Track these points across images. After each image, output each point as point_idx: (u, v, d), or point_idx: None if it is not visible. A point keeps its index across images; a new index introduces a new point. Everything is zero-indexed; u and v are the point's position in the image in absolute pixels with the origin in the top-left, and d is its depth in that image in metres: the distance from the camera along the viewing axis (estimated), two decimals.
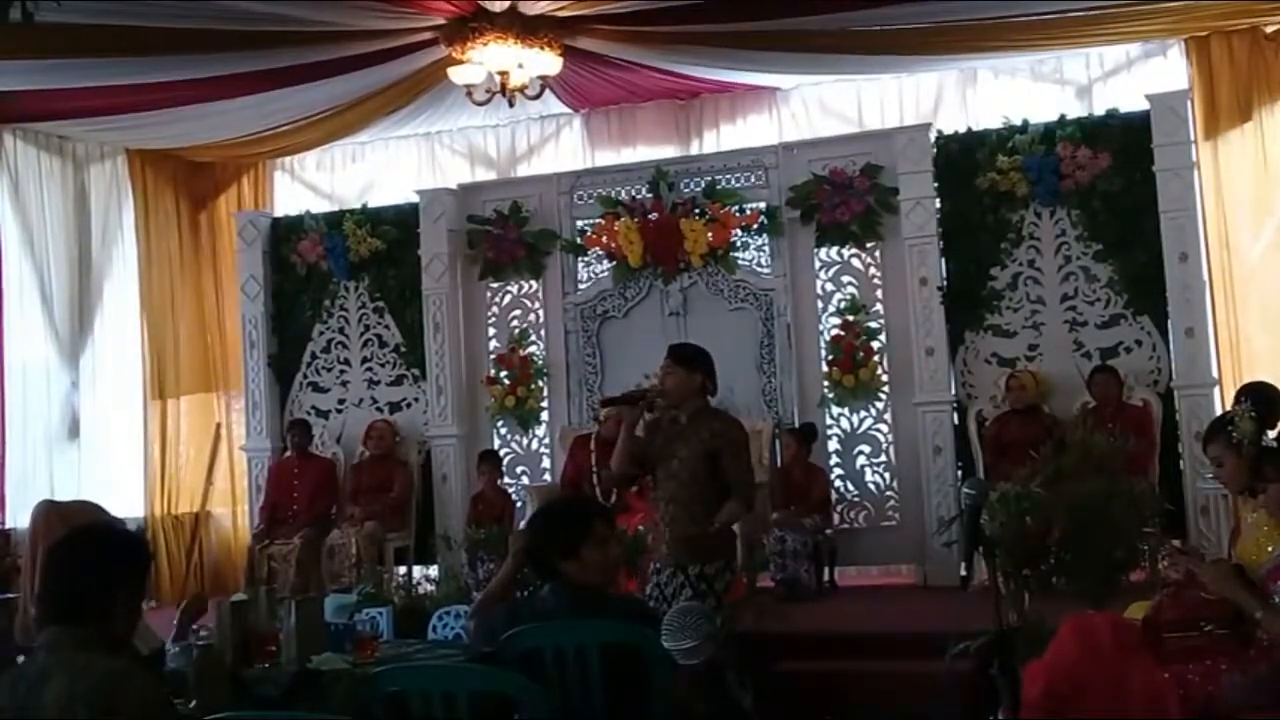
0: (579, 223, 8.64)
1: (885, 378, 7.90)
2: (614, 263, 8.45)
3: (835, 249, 8.09)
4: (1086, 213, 7.57)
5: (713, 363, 4.81)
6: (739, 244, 8.23)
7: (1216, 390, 7.29)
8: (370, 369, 9.16)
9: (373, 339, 9.16)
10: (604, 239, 8.46)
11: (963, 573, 7.11)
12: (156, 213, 9.71)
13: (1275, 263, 7.71)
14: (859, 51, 8.28)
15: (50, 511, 4.13)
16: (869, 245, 8.00)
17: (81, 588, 2.72)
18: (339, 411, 9.20)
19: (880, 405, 7.94)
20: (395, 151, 10.16)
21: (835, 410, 8.00)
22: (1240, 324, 7.67)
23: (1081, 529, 4.76)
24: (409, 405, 9.01)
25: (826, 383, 7.97)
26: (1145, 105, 7.46)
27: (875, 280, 8.02)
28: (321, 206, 9.82)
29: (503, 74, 7.37)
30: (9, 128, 8.69)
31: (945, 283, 7.72)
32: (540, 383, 8.64)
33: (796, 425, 7.85)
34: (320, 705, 3.74)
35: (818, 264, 8.12)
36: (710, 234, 8.18)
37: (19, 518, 8.17)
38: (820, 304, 8.09)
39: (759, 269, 8.25)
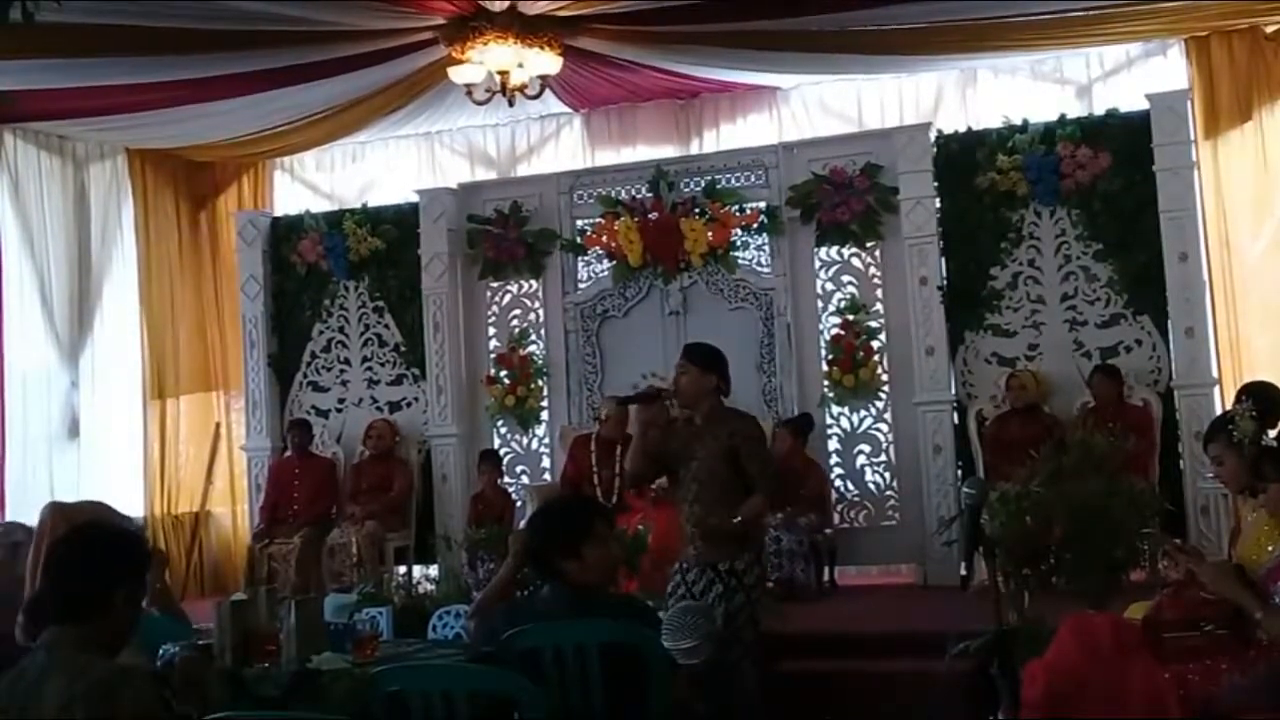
0: (579, 222, 8.63)
1: (885, 377, 7.90)
2: (614, 262, 8.45)
3: (835, 249, 8.09)
4: (1086, 212, 7.57)
5: (727, 363, 4.82)
6: (739, 244, 8.23)
7: (1216, 390, 7.28)
8: (370, 369, 9.16)
9: (373, 339, 9.16)
10: (604, 239, 8.46)
11: (963, 573, 7.07)
12: (156, 212, 9.70)
13: (1275, 263, 7.70)
14: (859, 51, 8.27)
15: (55, 513, 4.14)
16: (869, 245, 8.00)
17: (80, 587, 2.73)
18: (339, 411, 9.20)
19: (880, 405, 7.94)
20: (395, 151, 10.16)
21: (835, 410, 8.00)
22: (1240, 324, 7.67)
23: (1081, 529, 4.76)
24: (409, 405, 9.00)
25: (826, 382, 7.97)
26: (1145, 105, 7.46)
27: (875, 280, 8.02)
28: (321, 206, 9.82)
29: (503, 73, 7.36)
30: (9, 128, 8.68)
31: (945, 282, 7.72)
32: (540, 382, 8.64)
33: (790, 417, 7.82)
34: (320, 705, 3.74)
35: (818, 264, 8.12)
36: (710, 234, 8.18)
37: (19, 518, 8.15)
38: (820, 304, 8.09)
39: (759, 269, 8.25)
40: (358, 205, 9.45)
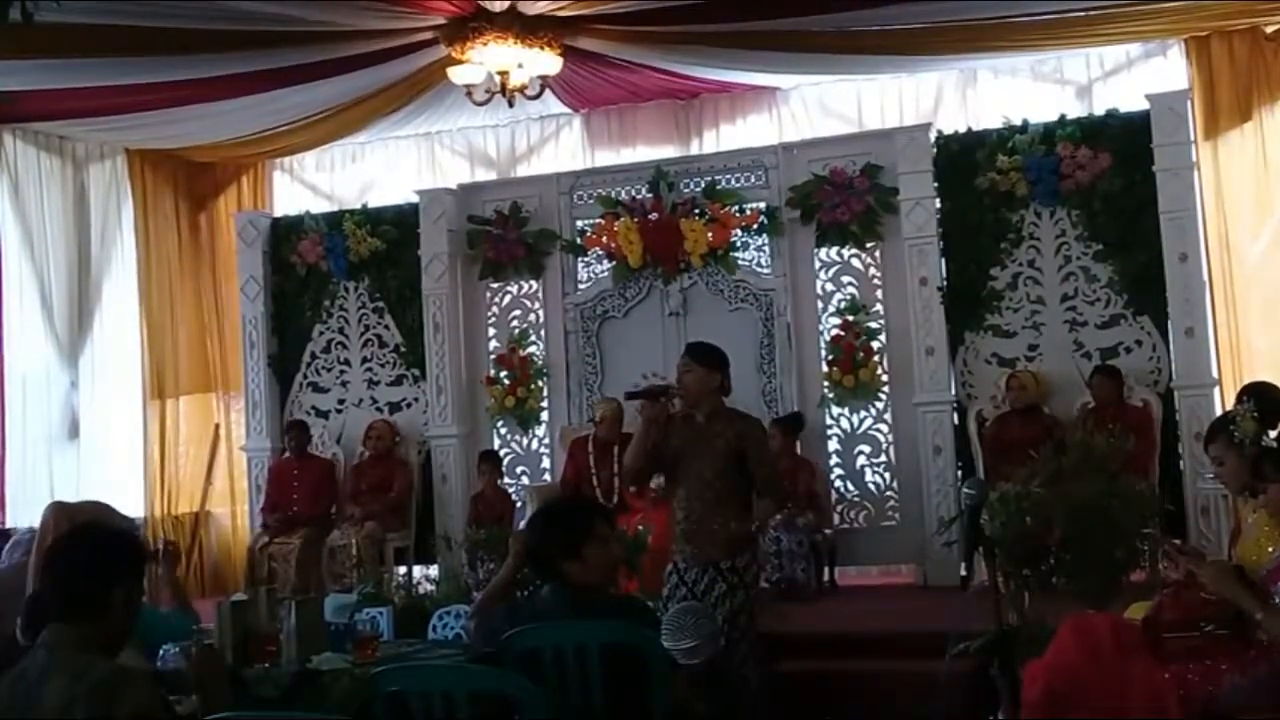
0: (579, 223, 8.63)
1: (885, 378, 7.90)
2: (614, 263, 8.45)
3: (835, 249, 8.09)
4: (1086, 213, 7.57)
5: (729, 362, 4.83)
6: (739, 244, 8.23)
7: (1216, 390, 7.29)
8: (370, 369, 9.16)
9: (373, 339, 9.16)
10: (604, 239, 8.46)
11: (963, 573, 7.17)
12: (156, 213, 9.70)
13: (1275, 263, 7.70)
14: (859, 51, 8.27)
15: (58, 512, 4.14)
16: (869, 245, 8.00)
17: (80, 586, 2.73)
18: (339, 411, 9.20)
19: (880, 405, 7.94)
20: (395, 151, 10.16)
21: (835, 410, 8.00)
22: (1240, 324, 7.67)
23: (1081, 529, 4.76)
24: (409, 405, 9.00)
25: (826, 383, 7.97)
26: (1145, 105, 7.46)
27: (875, 280, 8.02)
28: (321, 206, 9.82)
29: (502, 74, 7.36)
30: (9, 128, 8.68)
31: (945, 283, 7.72)
32: (540, 383, 8.63)
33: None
34: (320, 705, 3.74)
35: (818, 264, 8.12)
36: (710, 234, 8.18)
37: (19, 518, 8.16)
38: (820, 304, 8.09)
39: (759, 269, 8.25)
40: (358, 206, 9.45)
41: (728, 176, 8.31)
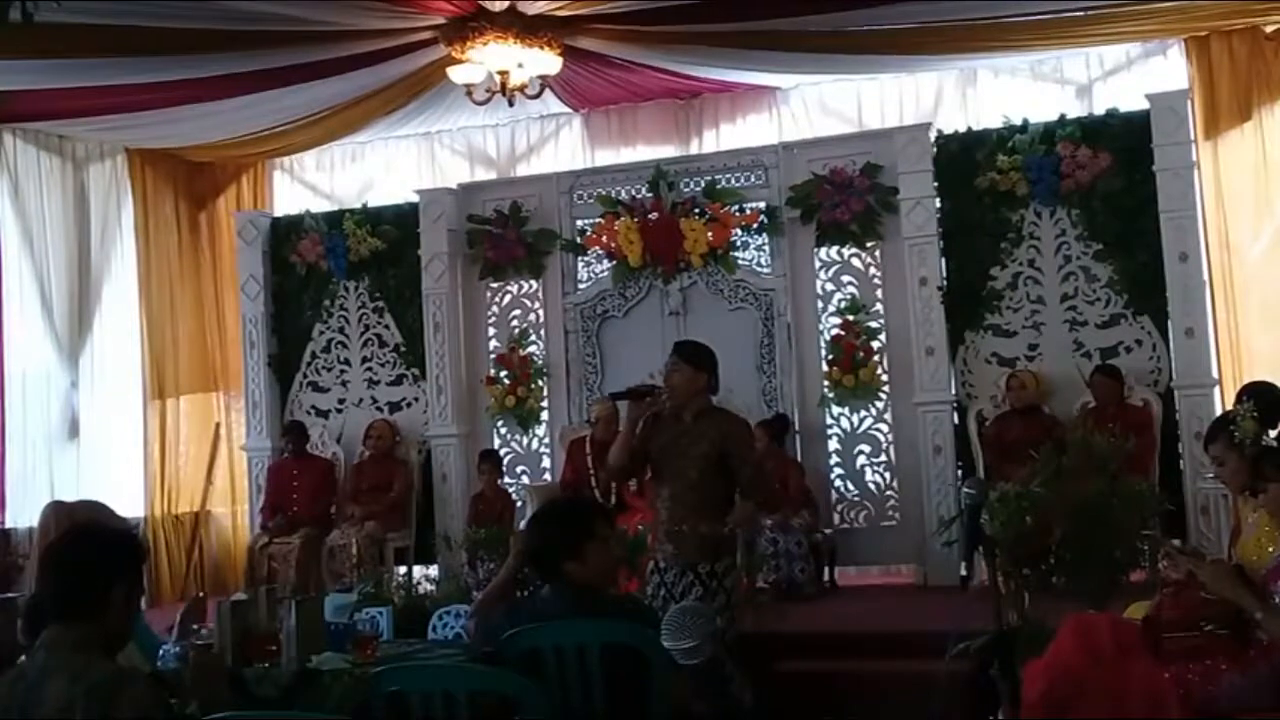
0: (579, 223, 8.64)
1: (885, 378, 7.90)
2: (614, 262, 8.45)
3: (835, 249, 8.09)
4: (1086, 213, 7.57)
5: (717, 361, 4.82)
6: (739, 244, 8.23)
7: (1216, 390, 7.29)
8: (370, 369, 9.16)
9: (373, 339, 9.16)
10: (604, 239, 8.46)
11: (963, 573, 7.17)
12: (156, 213, 9.70)
13: (1275, 263, 7.70)
14: (859, 51, 8.27)
15: (58, 511, 4.14)
16: (869, 245, 8.00)
17: (77, 585, 2.73)
18: (339, 411, 9.20)
19: (880, 405, 7.94)
20: (395, 151, 10.16)
21: (835, 410, 8.00)
22: (1240, 324, 7.67)
23: (1082, 529, 4.76)
24: (409, 405, 9.01)
25: (826, 383, 7.97)
26: (1145, 105, 7.46)
27: (875, 280, 8.02)
28: (321, 206, 9.82)
29: (502, 73, 7.36)
30: (9, 128, 8.68)
31: (945, 283, 7.72)
32: (540, 383, 8.64)
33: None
34: (320, 705, 3.74)
35: (818, 264, 8.12)
36: (710, 234, 8.18)
37: (19, 518, 8.17)
38: (820, 304, 8.09)
39: (759, 269, 8.25)
40: (357, 205, 9.45)
41: (728, 176, 8.31)
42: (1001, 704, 4.00)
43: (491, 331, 8.85)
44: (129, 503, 8.90)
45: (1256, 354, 7.60)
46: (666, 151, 9.07)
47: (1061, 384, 7.52)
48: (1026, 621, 4.49)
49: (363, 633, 4.29)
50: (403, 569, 8.20)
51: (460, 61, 7.44)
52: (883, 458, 7.93)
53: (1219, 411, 6.44)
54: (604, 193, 8.54)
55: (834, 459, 7.98)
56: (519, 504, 8.28)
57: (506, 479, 8.48)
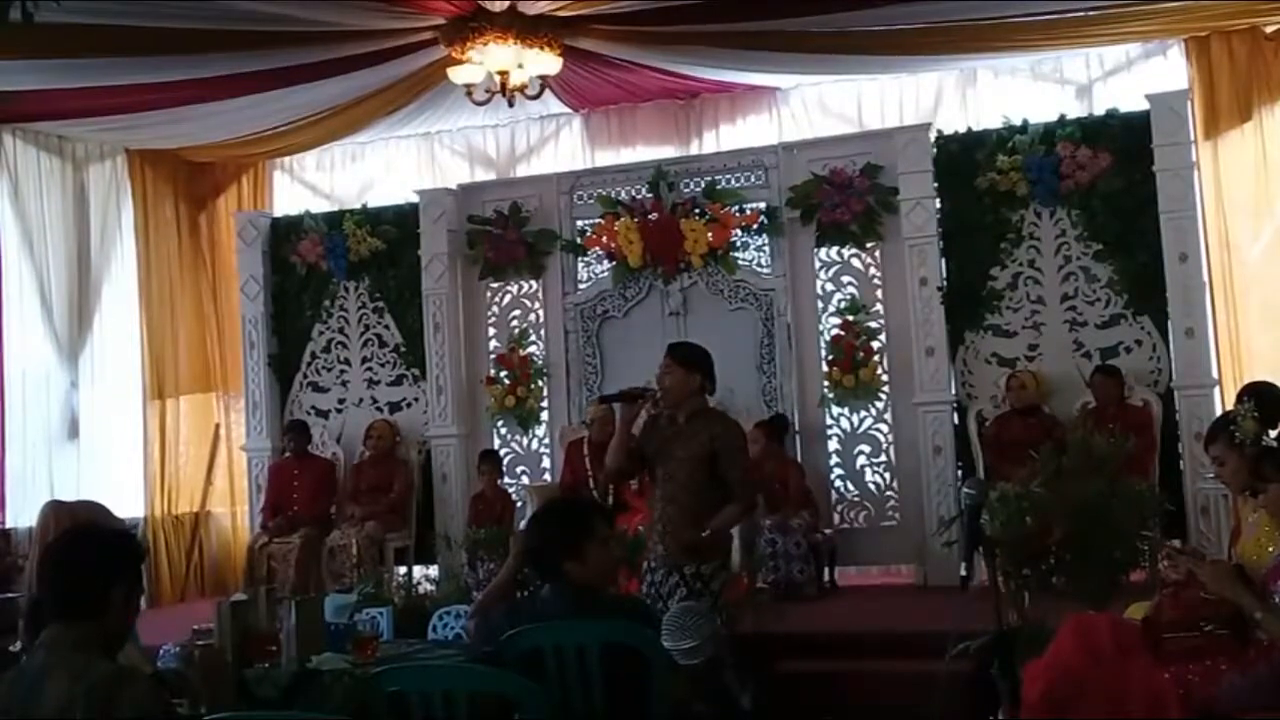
0: (579, 223, 8.64)
1: (885, 378, 7.90)
2: (614, 263, 8.45)
3: (835, 249, 8.09)
4: (1086, 213, 7.57)
5: (712, 363, 4.82)
6: (739, 244, 8.24)
7: (1216, 390, 7.29)
8: (370, 369, 9.16)
9: (373, 339, 9.16)
10: (604, 239, 8.46)
11: (963, 573, 7.17)
12: (156, 213, 9.70)
13: (1275, 263, 7.70)
14: (859, 51, 8.27)
15: (56, 511, 4.14)
16: (869, 245, 8.00)
17: (76, 585, 2.73)
18: (339, 411, 9.20)
19: (880, 405, 7.94)
20: (395, 151, 10.16)
21: (835, 410, 8.00)
22: (1240, 324, 7.67)
23: (1081, 529, 4.76)
24: (409, 405, 9.01)
25: (826, 383, 7.97)
26: (1145, 105, 7.46)
27: (875, 280, 8.03)
28: (321, 206, 9.82)
29: (502, 74, 7.36)
30: (9, 128, 8.68)
31: (945, 283, 7.72)
32: (540, 383, 8.64)
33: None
34: (320, 705, 3.74)
35: (818, 264, 8.12)
36: (710, 234, 8.18)
37: (19, 518, 8.17)
38: (820, 304, 8.09)
39: (759, 269, 8.25)
40: (357, 205, 9.45)
41: (728, 176, 8.31)
42: (1001, 704, 4.00)
43: (491, 332, 8.85)
44: (129, 503, 8.91)
45: (1256, 354, 7.60)
46: (666, 152, 9.07)
47: (1061, 384, 7.52)
48: (1026, 621, 4.49)
49: (363, 633, 4.30)
50: (403, 569, 8.21)
51: (460, 62, 7.44)
52: (883, 458, 7.93)
53: (1219, 412, 6.43)
54: (604, 193, 8.54)
55: (834, 459, 7.98)
56: (519, 504, 8.28)
57: (506, 479, 8.48)
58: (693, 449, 4.64)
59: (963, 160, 7.79)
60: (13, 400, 8.57)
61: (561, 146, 9.80)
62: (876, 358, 7.90)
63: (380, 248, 9.00)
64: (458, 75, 7.59)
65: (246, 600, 4.36)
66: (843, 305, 8.02)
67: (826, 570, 7.52)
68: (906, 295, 7.75)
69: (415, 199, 8.97)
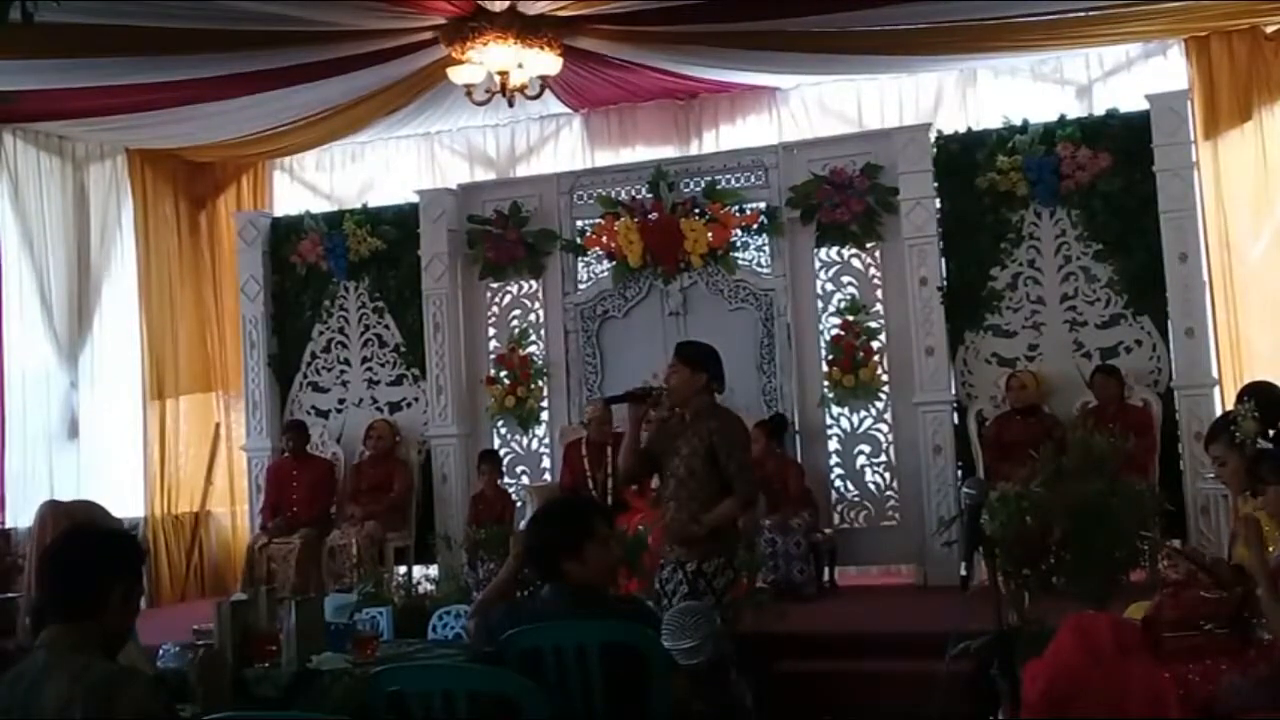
0: (579, 223, 8.64)
1: (885, 378, 7.90)
2: (614, 263, 8.45)
3: (835, 249, 8.10)
4: (1086, 213, 7.57)
5: (719, 361, 4.83)
6: (739, 244, 8.24)
7: (1216, 390, 7.29)
8: (370, 369, 9.16)
9: (373, 339, 9.16)
10: (604, 239, 8.46)
11: (963, 573, 7.17)
12: (156, 213, 9.69)
13: (1275, 263, 7.70)
14: (859, 51, 8.27)
15: (54, 511, 4.14)
16: (869, 245, 8.01)
17: (75, 585, 2.73)
18: (339, 411, 9.20)
19: (880, 405, 7.95)
20: (395, 151, 10.16)
21: (835, 410, 8.01)
22: (1240, 324, 7.66)
23: (1082, 529, 4.76)
24: (409, 405, 9.01)
25: (826, 383, 7.97)
26: (1145, 105, 7.46)
27: (875, 280, 8.03)
28: (321, 206, 9.82)
29: (502, 74, 7.36)
30: (9, 128, 8.68)
31: (945, 283, 7.72)
32: (540, 383, 8.64)
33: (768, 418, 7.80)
34: (320, 705, 3.74)
35: (818, 264, 8.13)
36: (710, 234, 8.18)
37: (19, 518, 8.17)
38: (820, 304, 8.10)
39: (759, 269, 8.25)
40: (358, 205, 9.45)
41: (728, 176, 8.32)
42: (1001, 704, 4.00)
43: (491, 331, 8.85)
44: (129, 503, 8.91)
45: (1256, 354, 7.60)
46: (666, 152, 9.07)
47: (1061, 384, 7.52)
48: (1026, 621, 4.49)
49: (363, 633, 4.30)
50: (403, 569, 8.21)
51: (460, 62, 7.44)
52: (883, 458, 7.93)
53: (1219, 411, 6.43)
54: (604, 193, 8.55)
55: (834, 459, 7.99)
56: (519, 504, 8.29)
57: (506, 479, 8.48)
58: (693, 444, 4.66)
59: (963, 160, 7.79)
60: (13, 400, 8.58)
61: (561, 146, 9.80)
62: (876, 358, 7.91)
63: (380, 248, 9.00)
64: (458, 75, 7.59)
65: (246, 600, 4.36)
66: (843, 305, 8.02)
67: (826, 570, 7.52)
68: (906, 295, 7.76)
69: (415, 199, 8.97)
